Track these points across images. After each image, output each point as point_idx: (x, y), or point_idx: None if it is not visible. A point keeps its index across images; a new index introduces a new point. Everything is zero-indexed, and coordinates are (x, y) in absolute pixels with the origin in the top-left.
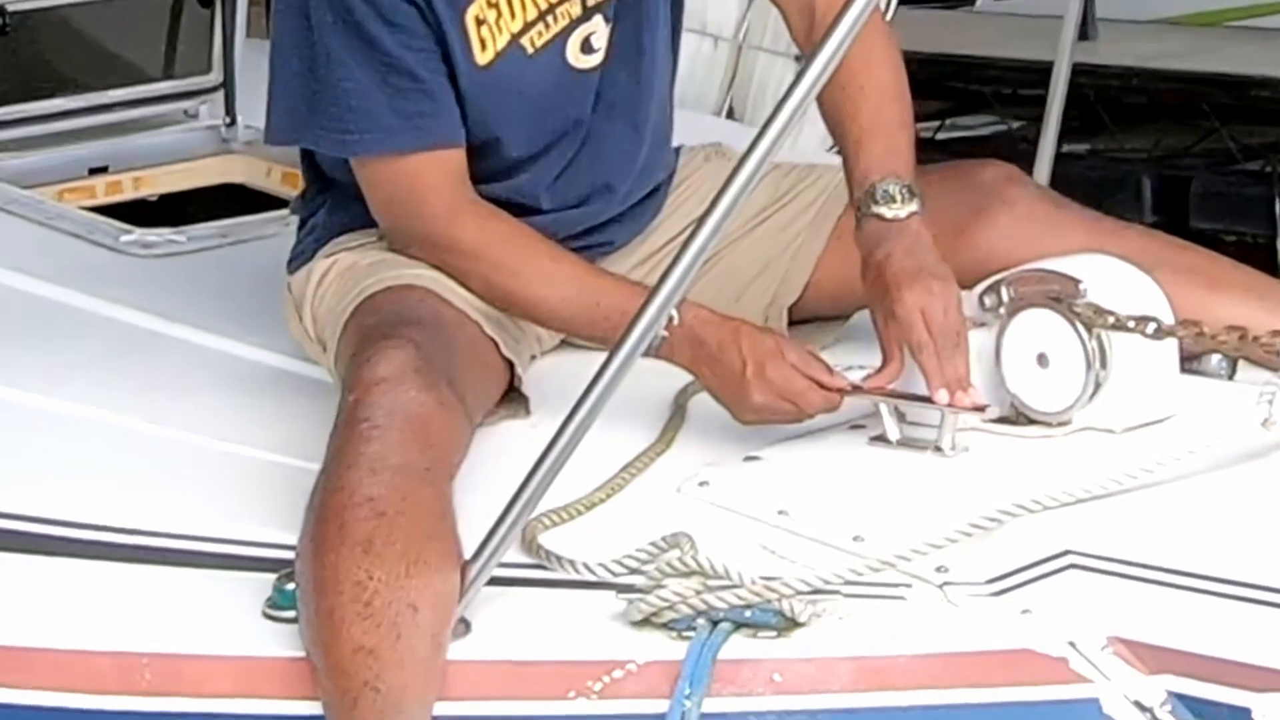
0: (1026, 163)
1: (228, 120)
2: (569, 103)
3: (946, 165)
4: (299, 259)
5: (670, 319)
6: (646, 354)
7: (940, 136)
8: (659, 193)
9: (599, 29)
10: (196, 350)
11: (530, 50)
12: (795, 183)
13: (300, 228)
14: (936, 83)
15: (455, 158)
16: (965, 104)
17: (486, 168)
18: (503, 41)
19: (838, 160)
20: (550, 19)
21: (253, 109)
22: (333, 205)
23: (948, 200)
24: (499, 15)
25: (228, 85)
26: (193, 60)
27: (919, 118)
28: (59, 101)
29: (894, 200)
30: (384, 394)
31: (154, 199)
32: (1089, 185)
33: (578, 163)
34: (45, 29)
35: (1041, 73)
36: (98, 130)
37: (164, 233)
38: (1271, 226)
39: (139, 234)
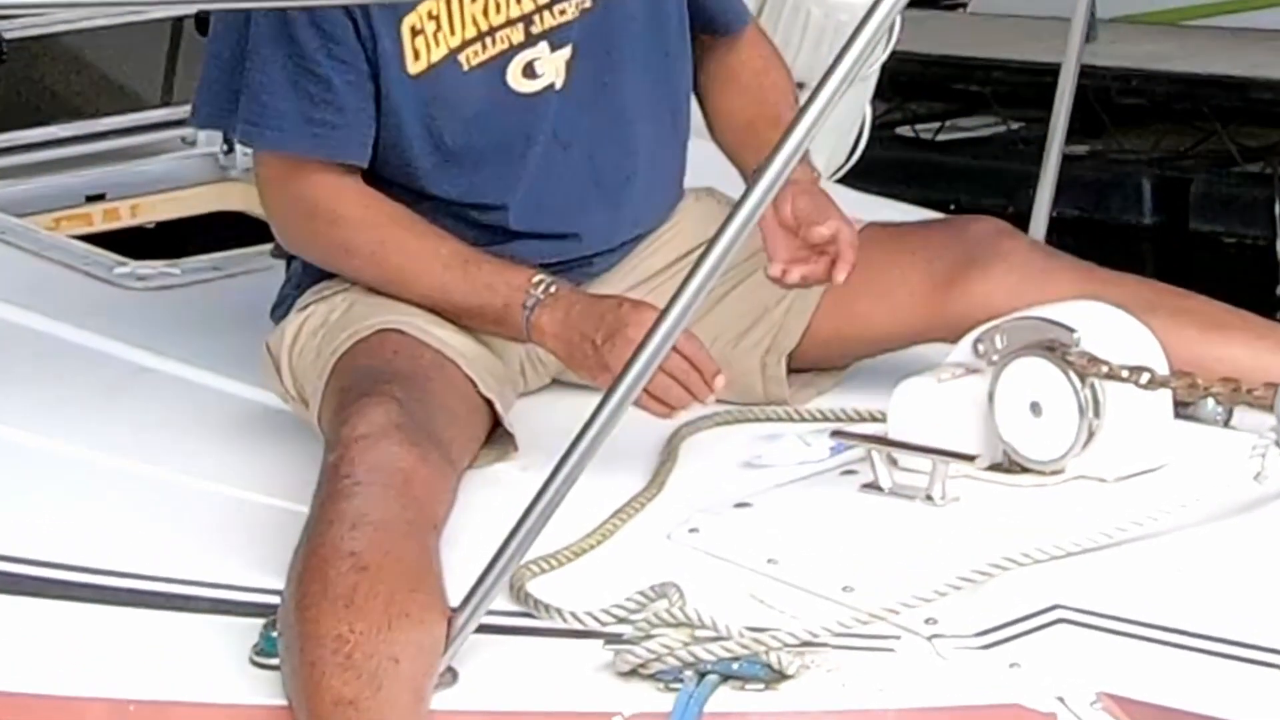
0: (1027, 163)
1: (225, 148)
2: (507, 124)
3: (937, 219)
4: (280, 308)
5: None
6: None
7: (941, 138)
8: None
9: (543, 55)
10: (188, 387)
11: (466, 67)
12: None
13: (286, 269)
14: (938, 84)
15: (352, 174)
16: (966, 105)
17: (440, 182)
18: (438, 54)
19: (840, 189)
20: (489, 40)
21: None
22: None
23: (940, 253)
24: (438, 28)
25: None
26: (191, 87)
27: (921, 119)
28: (56, 128)
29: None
30: (364, 451)
31: (151, 226)
32: (1088, 187)
33: (541, 194)
34: (43, 55)
35: (1043, 74)
36: (95, 157)
37: (158, 265)
38: (1271, 228)
39: (133, 266)
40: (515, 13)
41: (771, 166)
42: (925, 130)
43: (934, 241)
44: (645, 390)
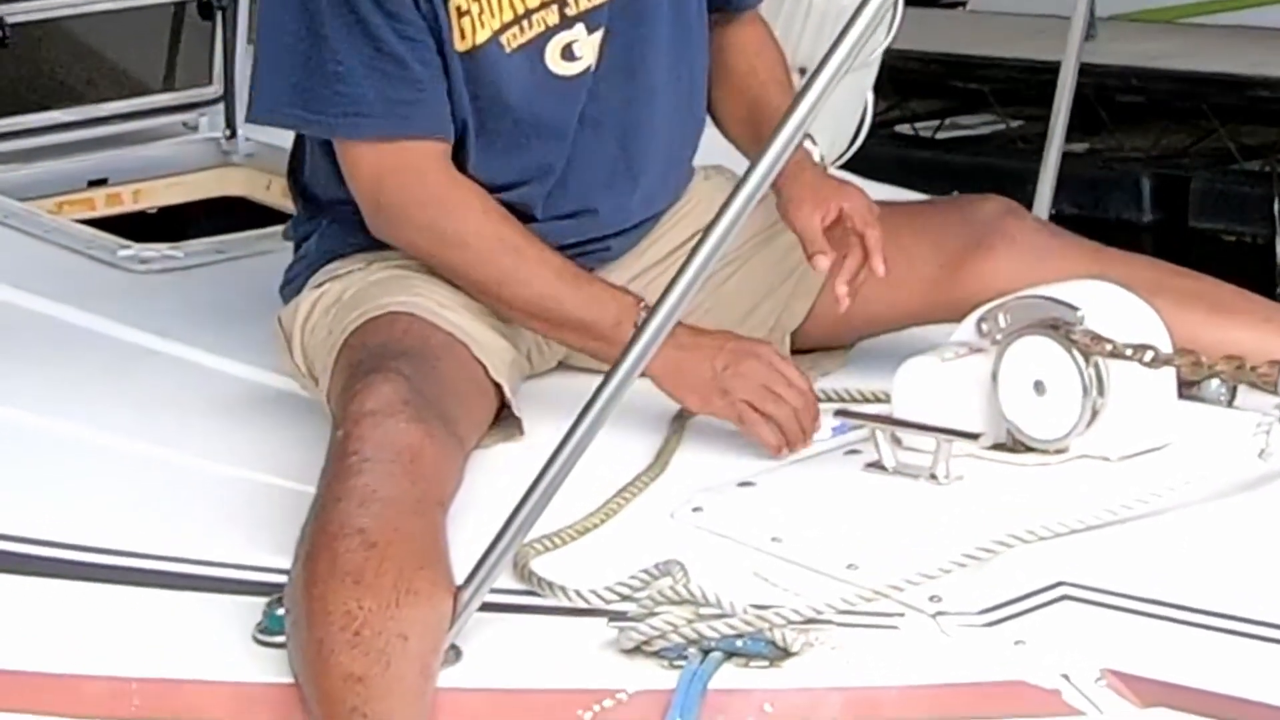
0: (1026, 161)
1: (228, 132)
2: (548, 107)
3: (946, 199)
4: (291, 285)
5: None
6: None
7: (940, 136)
8: (659, 215)
9: (581, 38)
10: (192, 369)
11: (508, 49)
12: None
13: (295, 250)
14: (936, 82)
15: (441, 149)
16: (965, 103)
17: (483, 163)
18: (483, 36)
19: (841, 176)
20: (527, 22)
21: None
22: (323, 232)
23: (948, 233)
24: (481, 10)
25: (228, 97)
26: (193, 72)
27: (920, 116)
28: (58, 113)
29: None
30: (373, 427)
31: (153, 211)
32: (1088, 185)
33: (567, 175)
34: (45, 40)
35: (1042, 72)
36: (97, 142)
37: (161, 248)
38: (1270, 226)
39: (136, 249)
40: None
41: (771, 149)
42: (924, 128)
43: (941, 222)
44: (771, 421)
